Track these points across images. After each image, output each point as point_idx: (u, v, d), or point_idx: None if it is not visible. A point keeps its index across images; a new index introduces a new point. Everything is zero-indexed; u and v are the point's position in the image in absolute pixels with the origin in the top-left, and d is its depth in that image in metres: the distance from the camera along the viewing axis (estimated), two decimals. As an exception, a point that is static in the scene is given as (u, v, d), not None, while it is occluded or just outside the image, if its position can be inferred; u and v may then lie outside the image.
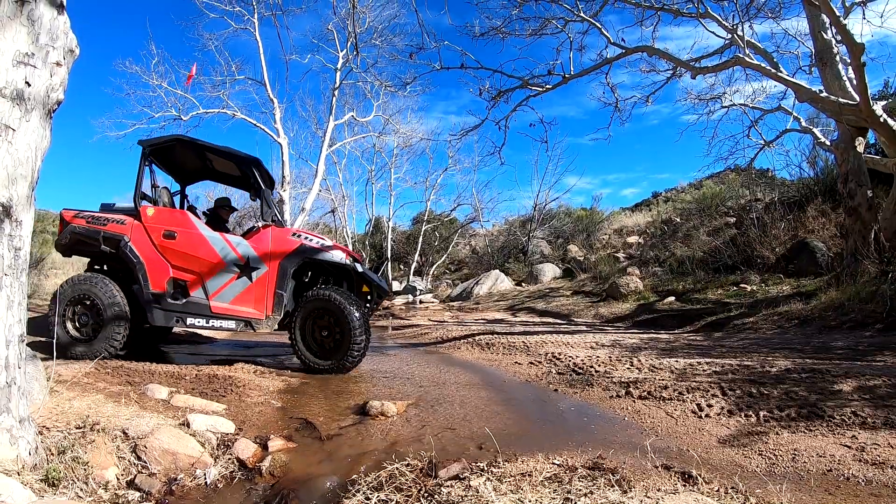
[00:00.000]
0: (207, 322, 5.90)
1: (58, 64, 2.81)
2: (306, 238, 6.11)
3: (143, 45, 30.59)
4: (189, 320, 5.91)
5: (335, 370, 5.74)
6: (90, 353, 5.51)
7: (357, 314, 5.69)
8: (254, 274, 5.92)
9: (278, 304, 5.92)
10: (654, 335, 8.29)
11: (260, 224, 6.14)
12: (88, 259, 6.52)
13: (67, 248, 6.18)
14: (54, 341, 4.95)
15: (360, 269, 6.16)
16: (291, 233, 6.14)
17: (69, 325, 5.72)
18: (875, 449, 2.95)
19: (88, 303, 5.73)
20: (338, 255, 6.06)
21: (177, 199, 7.26)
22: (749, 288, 11.29)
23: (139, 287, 5.83)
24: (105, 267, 6.39)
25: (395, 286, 24.64)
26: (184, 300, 5.91)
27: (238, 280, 5.91)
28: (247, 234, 6.21)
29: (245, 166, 6.32)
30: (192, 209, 7.30)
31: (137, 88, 17.71)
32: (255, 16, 18.26)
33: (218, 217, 7.13)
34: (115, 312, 5.71)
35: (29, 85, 2.66)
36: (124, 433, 3.14)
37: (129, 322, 5.79)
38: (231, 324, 5.93)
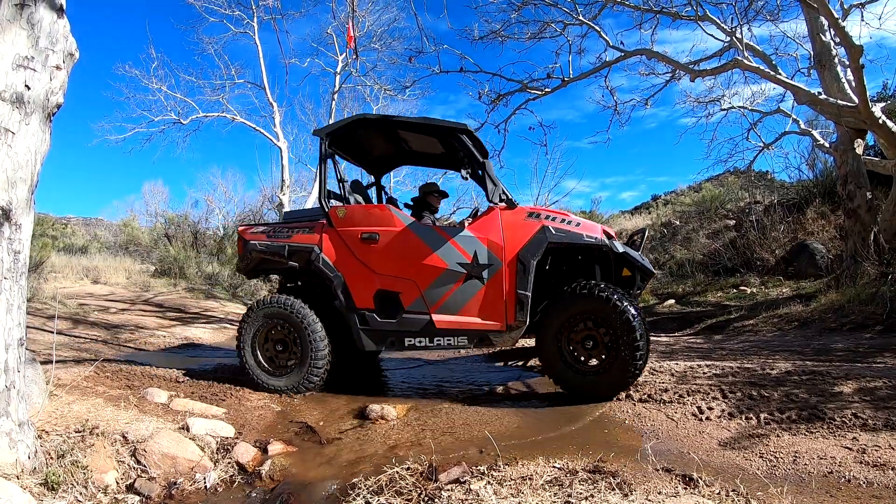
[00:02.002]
0: (431, 341, 4.77)
1: (57, 67, 2.81)
2: (547, 217, 4.72)
3: (143, 49, 30.65)
4: (407, 341, 4.81)
5: (615, 388, 4.43)
6: (287, 387, 4.85)
7: (634, 311, 4.38)
8: (485, 273, 4.67)
9: (521, 309, 4.59)
10: (654, 338, 8.27)
11: (489, 205, 4.90)
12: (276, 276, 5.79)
13: (252, 270, 5.41)
14: (252, 374, 4.92)
15: (619, 248, 4.78)
16: (526, 213, 4.75)
17: (260, 355, 5.01)
18: (876, 451, 2.94)
19: (283, 328, 4.97)
20: (591, 235, 4.67)
21: (372, 195, 6.40)
22: (749, 290, 11.29)
23: (340, 304, 4.90)
24: (299, 283, 5.67)
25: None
26: (398, 317, 4.82)
27: (466, 284, 4.70)
28: (467, 222, 5.08)
29: (451, 137, 5.03)
30: (393, 202, 6.33)
31: (137, 92, 17.73)
32: (255, 20, 18.29)
33: (426, 207, 5.79)
34: (313, 339, 4.85)
35: (28, 88, 2.66)
36: (124, 437, 3.13)
37: (332, 349, 4.98)
38: (462, 340, 4.74)
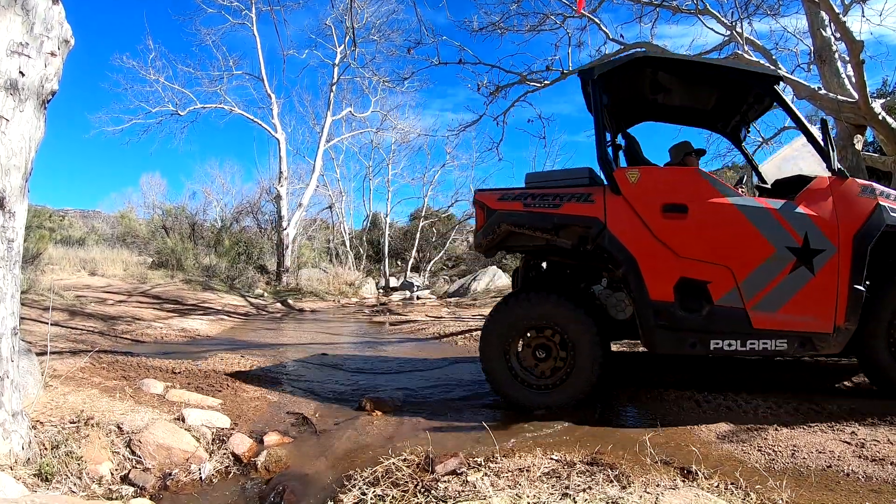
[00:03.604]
0: (743, 345, 3.75)
1: (52, 54, 2.78)
2: (881, 194, 3.76)
3: (141, 40, 30.56)
4: (713, 343, 3.77)
5: None
6: (552, 404, 3.97)
7: None
8: (816, 261, 3.70)
9: (853, 308, 3.64)
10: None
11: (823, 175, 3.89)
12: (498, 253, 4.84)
13: (495, 247, 4.34)
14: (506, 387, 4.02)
15: None
16: (860, 187, 3.78)
17: (516, 365, 4.10)
18: (875, 445, 2.94)
19: (546, 330, 4.08)
20: None
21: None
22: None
23: (636, 295, 3.86)
24: (543, 267, 4.75)
25: (393, 282, 24.64)
26: (704, 312, 3.81)
27: (793, 273, 3.72)
28: (786, 193, 4.04)
29: (761, 87, 4.13)
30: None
31: (134, 83, 17.70)
32: (253, 11, 18.23)
33: None
34: (588, 341, 3.96)
35: (23, 75, 2.63)
36: (119, 428, 3.11)
37: (605, 354, 4.01)
38: (781, 344, 3.73)
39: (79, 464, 2.70)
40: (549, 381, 4.05)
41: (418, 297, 19.27)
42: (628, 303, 4.16)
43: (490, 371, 4.13)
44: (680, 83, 4.64)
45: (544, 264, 4.81)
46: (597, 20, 10.50)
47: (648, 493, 2.22)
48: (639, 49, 10.51)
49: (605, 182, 4.04)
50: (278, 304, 15.14)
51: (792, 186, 4.13)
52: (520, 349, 4.14)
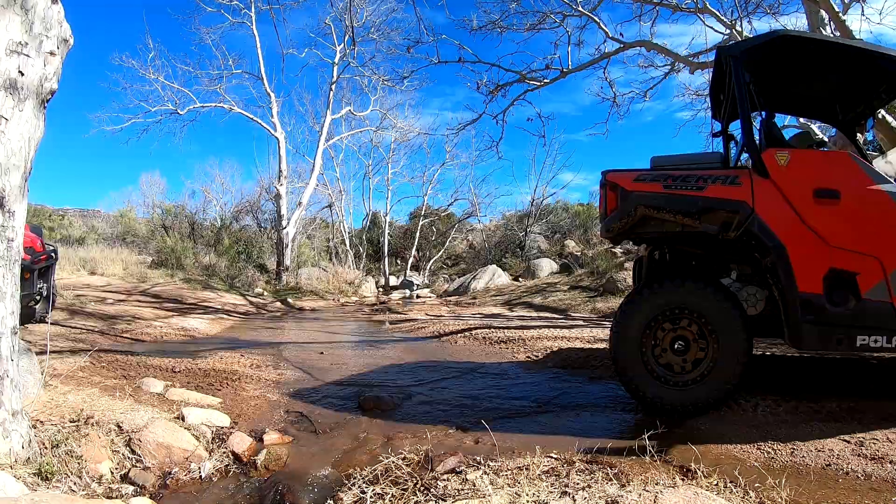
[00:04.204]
0: (889, 341, 3.41)
1: (52, 53, 2.78)
2: None
3: (140, 39, 30.51)
4: (860, 340, 3.44)
5: None
6: (691, 402, 3.67)
7: None
8: None
9: None
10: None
11: None
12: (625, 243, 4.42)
13: (626, 232, 3.99)
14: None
15: None
16: None
17: (652, 360, 3.77)
18: (874, 444, 2.95)
19: (684, 321, 3.75)
20: None
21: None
22: (746, 284, 11.27)
23: (783, 286, 3.54)
24: (667, 256, 4.37)
25: (392, 281, 24.65)
26: (851, 305, 3.49)
27: None
28: None
29: None
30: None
31: (134, 82, 17.69)
32: (253, 10, 18.21)
33: None
34: (731, 336, 3.63)
35: (22, 74, 2.63)
36: (119, 427, 3.12)
37: (749, 346, 3.67)
38: None
39: (79, 463, 2.70)
40: (689, 377, 3.72)
41: (418, 296, 19.27)
42: (760, 297, 3.93)
43: (624, 369, 3.81)
44: (815, 66, 4.24)
45: (667, 255, 4.43)
46: (596, 19, 10.52)
47: (647, 491, 2.22)
48: (640, 46, 10.53)
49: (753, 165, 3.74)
50: (278, 303, 15.14)
51: None
52: (656, 343, 3.79)
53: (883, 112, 8.22)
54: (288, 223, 19.07)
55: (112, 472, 2.83)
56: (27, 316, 6.67)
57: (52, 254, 7.10)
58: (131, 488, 2.75)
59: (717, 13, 9.80)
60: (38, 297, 6.65)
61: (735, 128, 4.77)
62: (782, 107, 5.13)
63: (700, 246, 4.10)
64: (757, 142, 3.80)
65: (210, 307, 12.07)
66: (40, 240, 6.91)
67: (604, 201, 4.02)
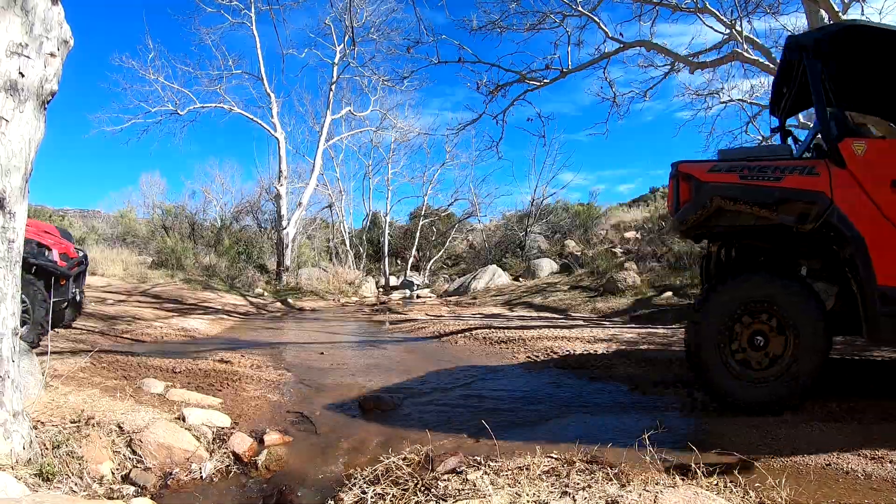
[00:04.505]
0: None
1: (52, 55, 2.78)
2: None
3: (140, 40, 30.51)
4: None
5: None
6: (769, 399, 3.56)
7: None
8: None
9: None
10: (652, 330, 8.28)
11: None
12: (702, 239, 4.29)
13: (699, 226, 3.83)
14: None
15: None
16: None
17: (730, 356, 3.63)
18: (874, 443, 2.94)
19: (761, 315, 3.63)
20: None
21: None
22: (746, 283, 11.26)
23: (862, 280, 3.43)
24: (732, 253, 4.25)
25: (393, 281, 24.65)
26: None
27: None
28: None
29: None
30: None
31: (134, 83, 17.70)
32: (252, 10, 18.21)
33: None
34: (811, 331, 3.53)
35: (23, 76, 2.63)
36: (119, 427, 3.12)
37: (829, 345, 3.58)
38: None
39: (80, 463, 2.71)
40: (767, 374, 3.60)
41: (418, 296, 19.28)
42: (830, 293, 3.85)
43: (701, 364, 3.70)
44: (882, 60, 4.07)
45: (732, 252, 4.34)
46: (596, 19, 10.52)
47: (648, 491, 2.22)
48: (640, 46, 10.53)
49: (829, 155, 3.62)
50: (278, 304, 15.15)
51: None
52: (732, 338, 3.67)
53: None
54: (288, 223, 19.08)
55: (113, 473, 2.83)
56: (58, 320, 6.74)
57: (84, 259, 7.15)
58: (132, 489, 2.76)
59: (717, 13, 9.81)
60: (69, 302, 6.70)
61: (791, 123, 4.64)
62: (851, 100, 4.80)
63: (770, 241, 3.96)
64: (832, 131, 3.63)
65: (210, 308, 12.08)
66: (72, 245, 6.95)
67: (674, 194, 3.87)
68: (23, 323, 5.61)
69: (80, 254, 7.13)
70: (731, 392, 3.61)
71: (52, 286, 6.03)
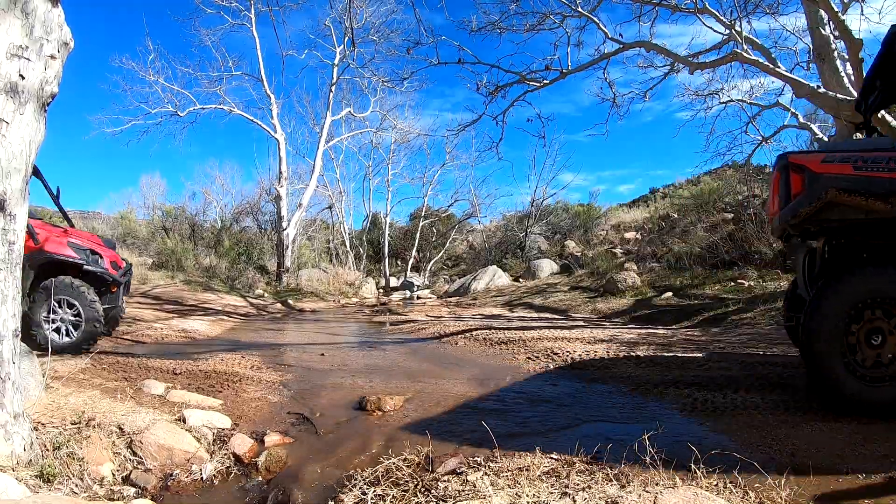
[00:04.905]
0: None
1: (52, 57, 2.79)
2: None
3: (140, 41, 30.54)
4: None
5: None
6: (892, 399, 3.36)
7: None
8: None
9: None
10: (652, 330, 8.29)
11: None
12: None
13: (808, 221, 3.61)
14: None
15: None
16: None
17: (851, 356, 3.44)
18: (874, 442, 2.95)
19: (879, 312, 3.44)
20: None
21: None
22: (746, 283, 11.30)
23: None
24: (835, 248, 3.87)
25: (393, 282, 24.66)
26: None
27: None
28: None
29: None
30: None
31: (134, 84, 17.71)
32: (252, 11, 18.22)
33: None
34: None
35: (23, 78, 2.64)
36: (120, 429, 3.12)
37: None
38: None
39: (80, 465, 2.71)
40: (888, 372, 3.39)
41: (418, 297, 19.29)
42: None
43: (820, 362, 3.47)
44: None
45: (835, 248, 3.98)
46: (595, 19, 10.51)
47: (647, 491, 2.23)
48: (640, 46, 10.53)
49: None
50: (278, 305, 15.15)
51: None
52: (849, 336, 3.47)
53: (883, 112, 8.22)
54: (288, 224, 19.08)
55: (113, 474, 2.84)
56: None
57: (130, 268, 7.25)
58: (133, 490, 2.76)
59: (717, 13, 9.80)
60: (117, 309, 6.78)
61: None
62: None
63: (878, 236, 3.67)
64: None
65: (210, 309, 12.08)
66: (118, 255, 7.04)
67: (783, 186, 3.70)
68: (75, 327, 5.71)
69: (126, 263, 7.19)
70: (851, 392, 3.41)
71: (104, 293, 6.22)
